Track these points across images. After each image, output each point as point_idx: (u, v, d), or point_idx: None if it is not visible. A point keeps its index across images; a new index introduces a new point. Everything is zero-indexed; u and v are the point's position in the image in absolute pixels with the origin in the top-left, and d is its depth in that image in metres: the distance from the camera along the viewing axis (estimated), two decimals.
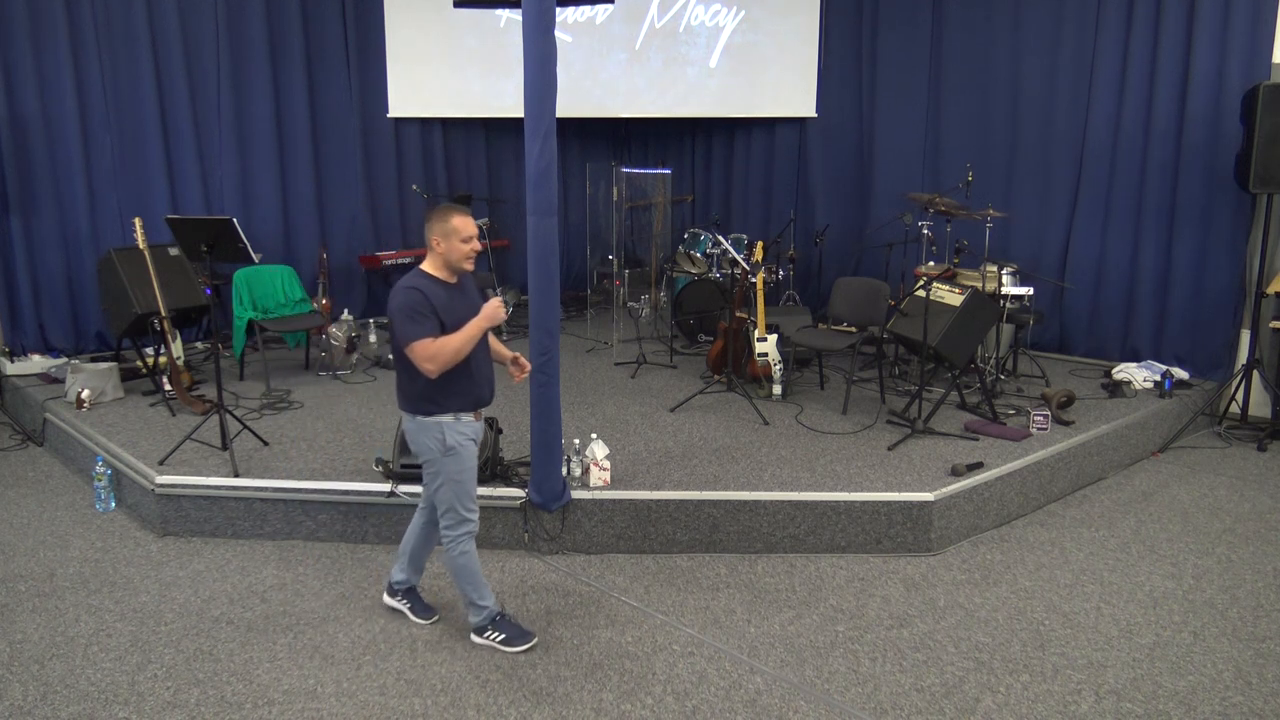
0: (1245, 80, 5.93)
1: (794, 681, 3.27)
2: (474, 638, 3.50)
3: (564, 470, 4.27)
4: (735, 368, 5.95)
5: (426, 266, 3.33)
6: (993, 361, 6.05)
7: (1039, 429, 5.13)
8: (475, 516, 3.45)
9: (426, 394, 3.30)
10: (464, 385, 3.34)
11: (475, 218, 8.72)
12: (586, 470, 4.34)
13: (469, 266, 3.34)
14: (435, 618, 3.67)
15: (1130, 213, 6.61)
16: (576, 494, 4.23)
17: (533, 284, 3.98)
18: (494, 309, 3.32)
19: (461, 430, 3.36)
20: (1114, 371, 6.30)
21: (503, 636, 3.46)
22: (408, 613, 3.69)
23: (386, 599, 3.74)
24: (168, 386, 5.65)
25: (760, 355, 5.91)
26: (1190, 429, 5.95)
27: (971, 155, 7.21)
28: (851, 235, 8.23)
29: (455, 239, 3.28)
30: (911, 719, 3.06)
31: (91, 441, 5.05)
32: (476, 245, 3.33)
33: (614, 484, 4.34)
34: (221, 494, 4.37)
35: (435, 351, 3.18)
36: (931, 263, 6.80)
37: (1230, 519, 4.72)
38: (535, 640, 3.48)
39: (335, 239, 8.03)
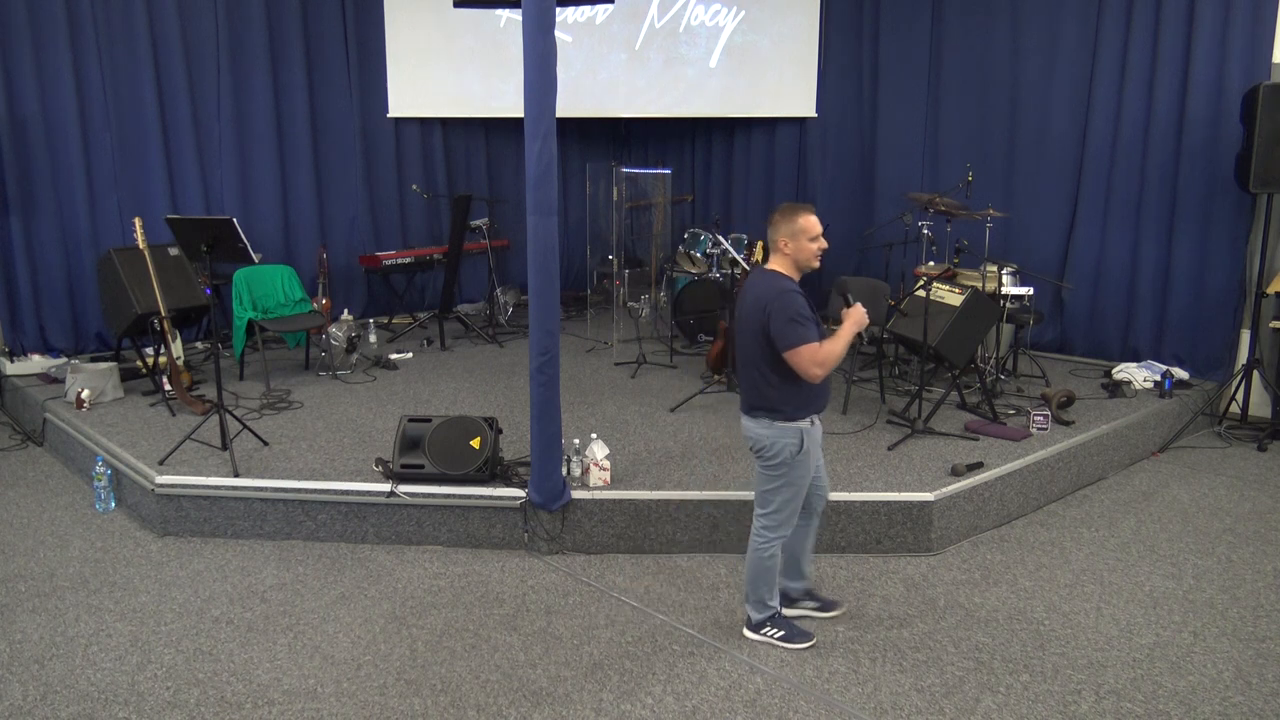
0: (1245, 80, 5.93)
1: (794, 681, 3.27)
2: (749, 633, 3.52)
3: (564, 470, 4.27)
4: (735, 368, 5.95)
5: (777, 267, 3.27)
6: (993, 361, 6.04)
7: (1039, 429, 5.13)
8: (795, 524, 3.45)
9: (788, 397, 3.25)
10: (822, 389, 3.33)
11: (475, 218, 8.70)
12: (586, 470, 4.34)
13: (816, 265, 3.28)
14: (842, 608, 3.71)
15: (1130, 213, 6.61)
16: (576, 494, 4.23)
17: (533, 284, 3.98)
18: (862, 314, 3.33)
19: (813, 435, 3.34)
20: (1114, 371, 6.30)
21: (781, 634, 3.48)
22: (814, 613, 3.67)
23: (788, 611, 3.65)
24: (168, 386, 5.65)
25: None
26: (1190, 429, 5.95)
27: (971, 155, 7.21)
28: (852, 235, 8.22)
29: (804, 238, 3.22)
30: (911, 719, 3.06)
31: (91, 441, 5.05)
32: (823, 243, 3.26)
33: (614, 484, 4.34)
34: (221, 494, 4.37)
35: (824, 357, 3.16)
36: (931, 263, 6.80)
37: (1230, 519, 4.72)
38: (814, 641, 3.49)
39: (335, 239, 8.03)
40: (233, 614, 3.71)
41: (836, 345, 3.21)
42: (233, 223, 4.82)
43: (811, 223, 3.22)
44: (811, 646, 3.47)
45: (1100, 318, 6.84)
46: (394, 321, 8.23)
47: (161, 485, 4.39)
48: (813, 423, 3.34)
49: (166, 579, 4.00)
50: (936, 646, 3.50)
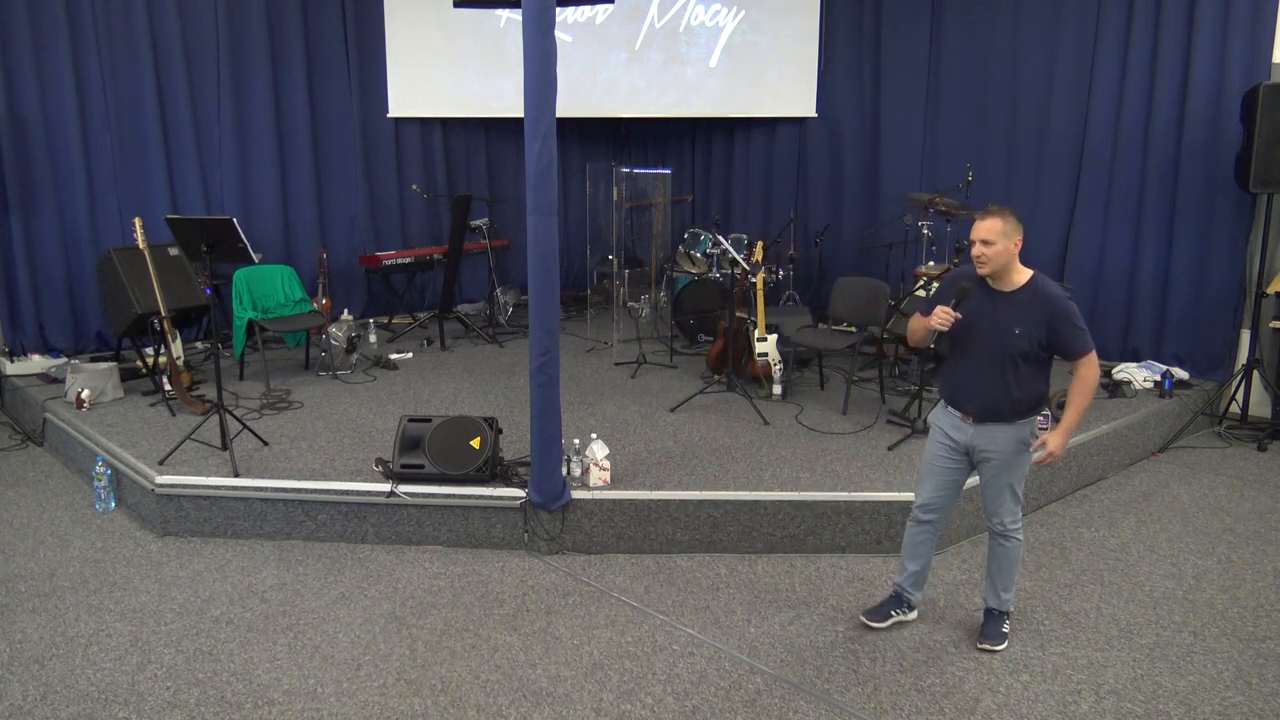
0: (1245, 80, 5.92)
1: (794, 681, 3.27)
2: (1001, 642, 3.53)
3: (564, 470, 4.27)
4: (735, 368, 5.95)
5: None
6: None
7: (1039, 429, 5.11)
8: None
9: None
10: (946, 375, 3.52)
11: (475, 218, 8.69)
12: (586, 470, 4.34)
13: (980, 268, 3.29)
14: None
15: (1130, 213, 6.61)
16: (576, 494, 4.23)
17: (533, 284, 3.98)
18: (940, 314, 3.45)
19: (940, 419, 3.52)
20: (1114, 371, 6.30)
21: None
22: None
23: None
24: (168, 386, 5.65)
25: (760, 355, 5.91)
26: (1190, 429, 5.95)
27: (971, 155, 7.21)
28: (851, 235, 8.23)
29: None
30: (911, 719, 3.06)
31: (91, 441, 5.05)
32: (978, 247, 3.24)
33: (614, 484, 4.34)
34: (221, 494, 4.37)
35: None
36: (931, 263, 6.79)
37: (1230, 519, 4.72)
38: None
39: (335, 239, 8.03)
40: (233, 614, 3.71)
41: (914, 321, 3.46)
42: (233, 223, 4.82)
43: (974, 228, 3.26)
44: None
45: (1100, 318, 6.83)
46: (394, 321, 8.23)
47: (161, 485, 4.39)
48: (945, 408, 3.49)
49: (166, 579, 4.00)
50: (936, 646, 3.50)
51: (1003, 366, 3.27)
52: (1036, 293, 3.22)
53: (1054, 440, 3.29)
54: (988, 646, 3.47)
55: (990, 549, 3.50)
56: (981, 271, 3.24)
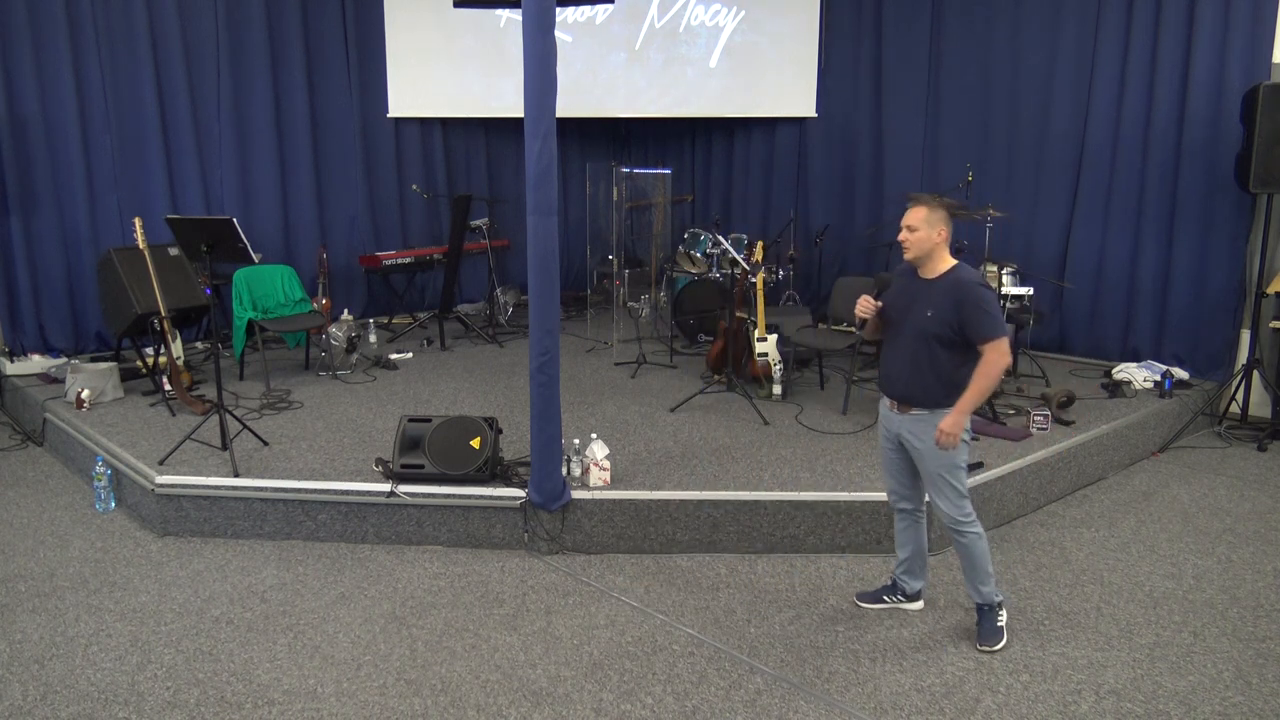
0: (1245, 80, 5.93)
1: (794, 681, 3.27)
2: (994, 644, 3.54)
3: (564, 470, 4.27)
4: (735, 368, 5.95)
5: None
6: None
7: (1039, 429, 5.13)
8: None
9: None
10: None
11: (475, 218, 8.70)
12: (586, 470, 4.34)
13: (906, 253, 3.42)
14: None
15: (1130, 212, 6.61)
16: (576, 494, 4.23)
17: (533, 284, 3.98)
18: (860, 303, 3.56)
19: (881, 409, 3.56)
20: (1114, 371, 6.30)
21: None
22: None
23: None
24: (168, 386, 5.65)
25: (760, 355, 5.91)
26: (1190, 429, 5.95)
27: (971, 155, 7.21)
28: (851, 235, 8.22)
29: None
30: (911, 719, 3.06)
31: (91, 441, 5.05)
32: (903, 233, 3.36)
33: (614, 484, 4.34)
34: (221, 494, 4.37)
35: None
36: None
37: (1230, 519, 4.72)
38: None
39: (335, 239, 8.03)
40: (233, 614, 3.71)
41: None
42: (233, 223, 4.82)
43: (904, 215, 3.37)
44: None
45: (1100, 318, 6.84)
46: (394, 321, 8.23)
47: (161, 485, 4.39)
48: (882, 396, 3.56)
49: (166, 579, 4.00)
50: (936, 646, 3.50)
51: (918, 351, 3.36)
52: (953, 279, 3.31)
53: (946, 420, 3.29)
54: (986, 648, 3.47)
55: (953, 545, 3.53)
56: (906, 256, 3.38)
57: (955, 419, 3.28)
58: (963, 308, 3.25)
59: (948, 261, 3.36)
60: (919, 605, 3.75)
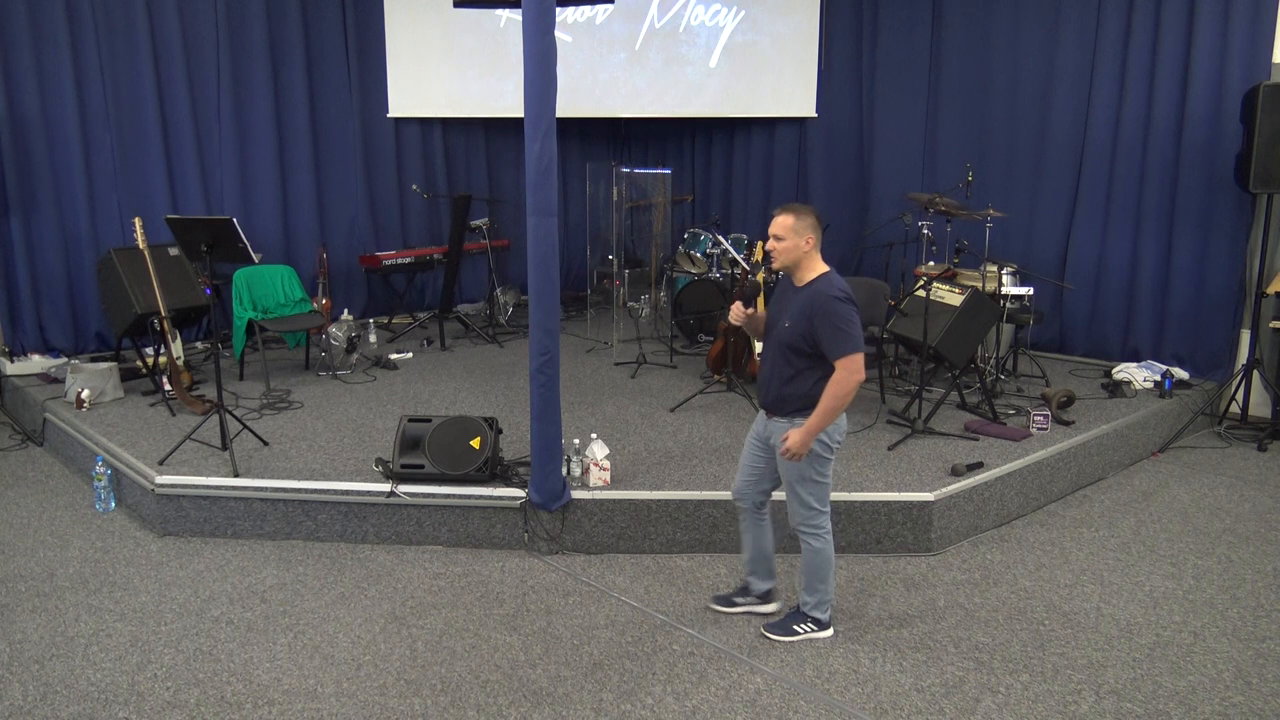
0: (1245, 80, 5.93)
1: (794, 681, 3.27)
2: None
3: (564, 470, 4.27)
4: (735, 368, 5.95)
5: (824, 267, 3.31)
6: (993, 361, 6.04)
7: (1039, 429, 5.13)
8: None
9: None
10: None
11: (475, 217, 8.70)
12: (586, 470, 4.34)
13: (772, 262, 3.37)
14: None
15: (1130, 213, 6.61)
16: (576, 494, 4.23)
17: (533, 284, 3.98)
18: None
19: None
20: (1114, 371, 6.30)
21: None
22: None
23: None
24: (168, 386, 5.65)
25: (760, 355, 5.90)
26: (1190, 429, 5.95)
27: (971, 155, 7.21)
28: (851, 235, 8.22)
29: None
30: (911, 719, 3.06)
31: (91, 441, 5.05)
32: (771, 243, 3.32)
33: (614, 484, 4.34)
34: (221, 494, 4.37)
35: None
36: (931, 263, 6.80)
37: (1230, 519, 4.72)
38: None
39: (335, 239, 8.03)
40: (233, 614, 3.71)
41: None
42: (233, 223, 4.82)
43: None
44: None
45: (1100, 318, 6.84)
46: (394, 321, 8.23)
47: (161, 485, 4.39)
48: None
49: (166, 579, 4.00)
50: (936, 646, 3.50)
51: (777, 360, 3.35)
52: (812, 290, 3.27)
53: (793, 436, 3.26)
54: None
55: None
56: (773, 265, 3.33)
57: (801, 436, 3.23)
58: (815, 320, 3.20)
59: (815, 270, 3.30)
60: (772, 606, 3.70)
